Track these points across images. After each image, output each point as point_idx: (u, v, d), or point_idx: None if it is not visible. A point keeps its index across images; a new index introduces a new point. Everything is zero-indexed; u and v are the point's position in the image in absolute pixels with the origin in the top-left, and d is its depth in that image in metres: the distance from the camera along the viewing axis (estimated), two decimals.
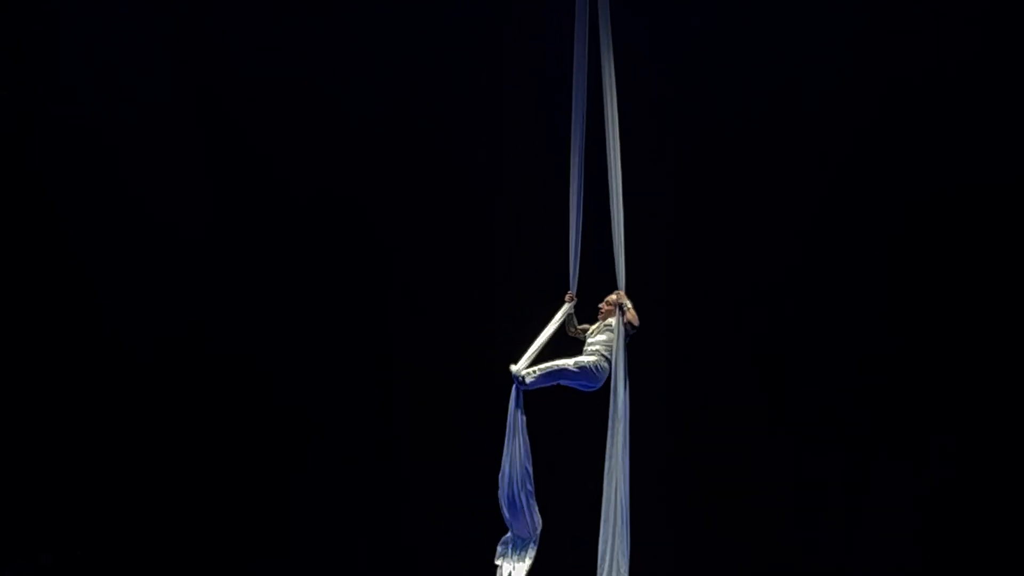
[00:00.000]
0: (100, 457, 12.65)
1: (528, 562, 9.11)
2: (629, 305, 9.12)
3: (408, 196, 12.72)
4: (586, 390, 9.16)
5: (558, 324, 9.19)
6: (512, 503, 9.03)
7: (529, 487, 9.03)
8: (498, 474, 9.04)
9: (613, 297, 9.16)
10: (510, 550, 9.19)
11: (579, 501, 9.65)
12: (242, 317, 12.73)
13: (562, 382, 9.08)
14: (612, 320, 9.17)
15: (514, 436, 8.99)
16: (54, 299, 12.68)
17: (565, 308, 9.25)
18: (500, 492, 9.06)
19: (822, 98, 12.37)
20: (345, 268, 12.73)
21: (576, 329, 9.36)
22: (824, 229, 12.38)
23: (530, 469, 9.01)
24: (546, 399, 9.25)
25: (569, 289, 9.25)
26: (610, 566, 8.94)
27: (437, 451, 12.63)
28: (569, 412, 10.41)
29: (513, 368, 8.89)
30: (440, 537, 12.47)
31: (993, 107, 12.16)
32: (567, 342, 9.33)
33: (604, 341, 9.13)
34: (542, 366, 8.95)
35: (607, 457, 9.04)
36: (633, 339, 9.14)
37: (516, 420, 8.96)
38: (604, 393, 9.10)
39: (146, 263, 12.73)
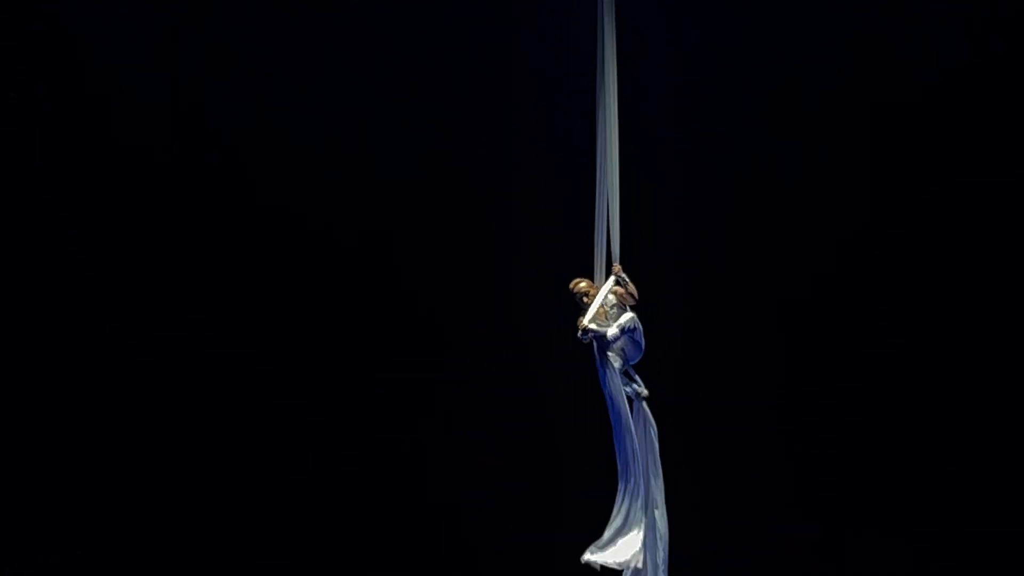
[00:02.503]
0: (100, 457, 12.64)
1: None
2: (626, 277, 9.21)
3: (408, 196, 12.72)
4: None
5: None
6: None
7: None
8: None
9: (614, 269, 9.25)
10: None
11: None
12: (242, 317, 12.73)
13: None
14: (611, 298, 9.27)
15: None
16: (54, 299, 12.67)
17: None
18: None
19: (822, 98, 12.38)
20: (345, 268, 12.73)
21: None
22: (824, 229, 12.38)
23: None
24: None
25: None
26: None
27: (437, 451, 12.64)
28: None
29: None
30: (440, 537, 12.47)
31: (994, 107, 12.17)
32: None
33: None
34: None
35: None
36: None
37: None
38: None
39: (146, 263, 12.72)
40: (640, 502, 9.28)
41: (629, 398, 9.28)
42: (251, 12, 12.65)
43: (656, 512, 9.39)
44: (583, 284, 9.32)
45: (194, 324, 12.76)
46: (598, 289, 9.30)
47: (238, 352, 12.71)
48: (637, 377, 9.38)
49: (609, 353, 9.22)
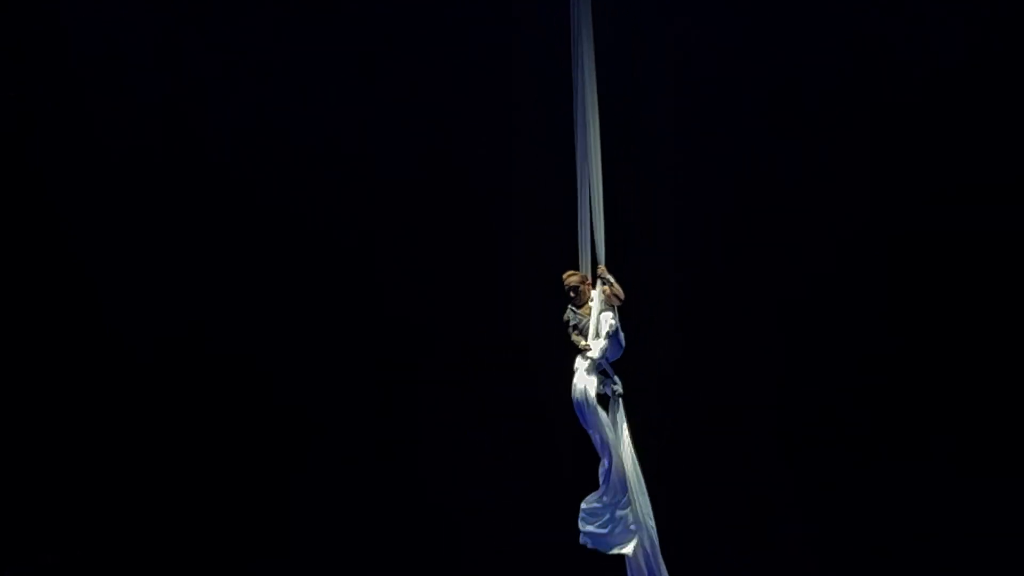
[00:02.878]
0: (101, 457, 12.65)
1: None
2: (612, 279, 9.14)
3: (408, 196, 12.72)
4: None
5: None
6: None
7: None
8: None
9: (599, 271, 9.21)
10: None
11: None
12: (242, 317, 12.73)
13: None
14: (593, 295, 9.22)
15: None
16: (54, 299, 12.67)
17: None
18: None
19: (822, 98, 12.38)
20: (345, 268, 12.73)
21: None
22: (824, 229, 12.38)
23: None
24: None
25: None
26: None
27: (437, 451, 12.64)
28: None
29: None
30: (440, 537, 12.47)
31: (994, 107, 12.17)
32: None
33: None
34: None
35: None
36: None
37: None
38: None
39: (146, 263, 12.73)
40: (623, 498, 9.27)
41: (606, 395, 9.19)
42: (251, 12, 12.66)
43: (645, 515, 9.35)
44: (575, 278, 9.27)
45: (194, 324, 12.76)
46: (590, 284, 9.21)
47: (238, 352, 12.71)
48: (615, 376, 9.27)
49: None
